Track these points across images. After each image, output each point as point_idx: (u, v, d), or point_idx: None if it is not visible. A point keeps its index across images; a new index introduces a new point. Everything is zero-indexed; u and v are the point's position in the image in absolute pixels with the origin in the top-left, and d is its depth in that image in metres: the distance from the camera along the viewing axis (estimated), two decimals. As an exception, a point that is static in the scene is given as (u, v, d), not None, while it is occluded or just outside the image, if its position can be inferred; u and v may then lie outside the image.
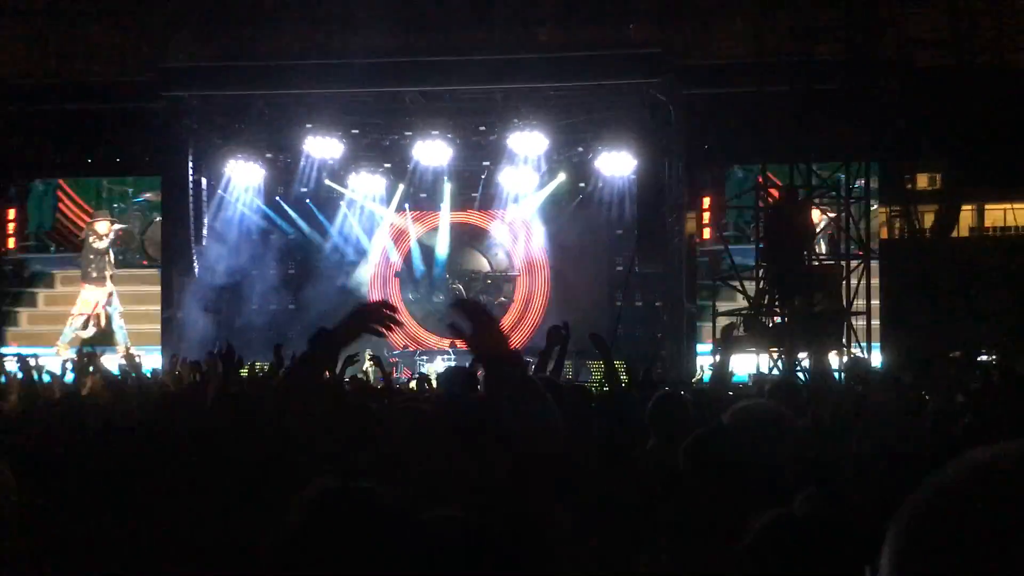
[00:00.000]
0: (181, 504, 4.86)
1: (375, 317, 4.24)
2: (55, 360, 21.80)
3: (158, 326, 30.37)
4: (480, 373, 10.35)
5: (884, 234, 27.09)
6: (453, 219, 34.14)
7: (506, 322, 33.12)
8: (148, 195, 31.42)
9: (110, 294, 30.64)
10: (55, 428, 8.04)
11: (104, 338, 29.54)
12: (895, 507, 1.58)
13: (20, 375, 13.15)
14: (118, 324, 30.46)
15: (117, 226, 31.00)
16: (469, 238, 34.53)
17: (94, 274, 30.62)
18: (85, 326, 30.50)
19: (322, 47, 27.94)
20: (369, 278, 33.98)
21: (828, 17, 22.20)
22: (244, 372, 20.70)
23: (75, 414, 8.94)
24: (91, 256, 30.70)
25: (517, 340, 30.30)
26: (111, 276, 30.65)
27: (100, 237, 30.65)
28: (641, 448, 7.02)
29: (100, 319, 30.60)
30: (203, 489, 4.64)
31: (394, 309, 4.26)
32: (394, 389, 15.30)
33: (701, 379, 21.76)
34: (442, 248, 34.54)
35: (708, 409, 7.87)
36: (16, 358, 14.76)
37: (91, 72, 29.17)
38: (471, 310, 3.98)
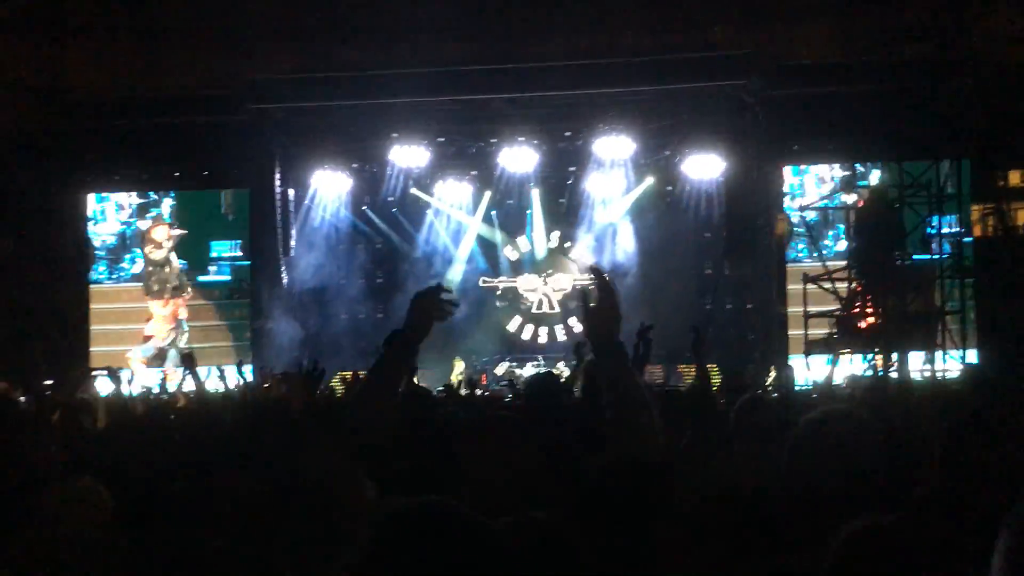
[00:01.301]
0: (258, 523, 4.82)
1: (431, 304, 4.20)
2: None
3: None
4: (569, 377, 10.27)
5: (977, 232, 26.70)
6: (540, 225, 34.07)
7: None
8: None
9: (176, 316, 30.75)
10: (142, 445, 8.05)
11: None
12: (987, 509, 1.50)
13: (108, 390, 13.20)
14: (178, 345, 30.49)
15: (177, 232, 31.03)
16: (556, 244, 34.46)
17: (156, 287, 30.77)
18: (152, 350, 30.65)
19: (406, 56, 28.01)
20: (456, 284, 34.00)
21: (915, 15, 21.90)
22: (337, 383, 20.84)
23: (161, 431, 8.96)
24: (150, 268, 30.89)
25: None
26: (176, 288, 30.72)
27: (158, 245, 30.79)
28: (727, 452, 6.92)
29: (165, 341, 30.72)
30: (279, 507, 4.59)
31: (448, 291, 4.22)
32: (480, 397, 15.29)
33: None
34: (529, 254, 34.50)
35: (796, 413, 7.73)
36: (107, 371, 14.81)
37: (177, 86, 29.40)
38: (604, 285, 3.92)
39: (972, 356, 23.56)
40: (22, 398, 13.77)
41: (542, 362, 30.55)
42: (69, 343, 29.51)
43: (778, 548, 4.01)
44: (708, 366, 24.19)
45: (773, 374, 26.87)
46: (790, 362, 20.65)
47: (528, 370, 29.48)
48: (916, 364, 20.91)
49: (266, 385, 19.28)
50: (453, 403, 11.39)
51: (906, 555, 2.92)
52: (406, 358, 4.33)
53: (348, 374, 18.54)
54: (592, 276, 3.97)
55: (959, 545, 2.84)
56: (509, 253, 34.75)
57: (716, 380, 27.81)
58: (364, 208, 33.48)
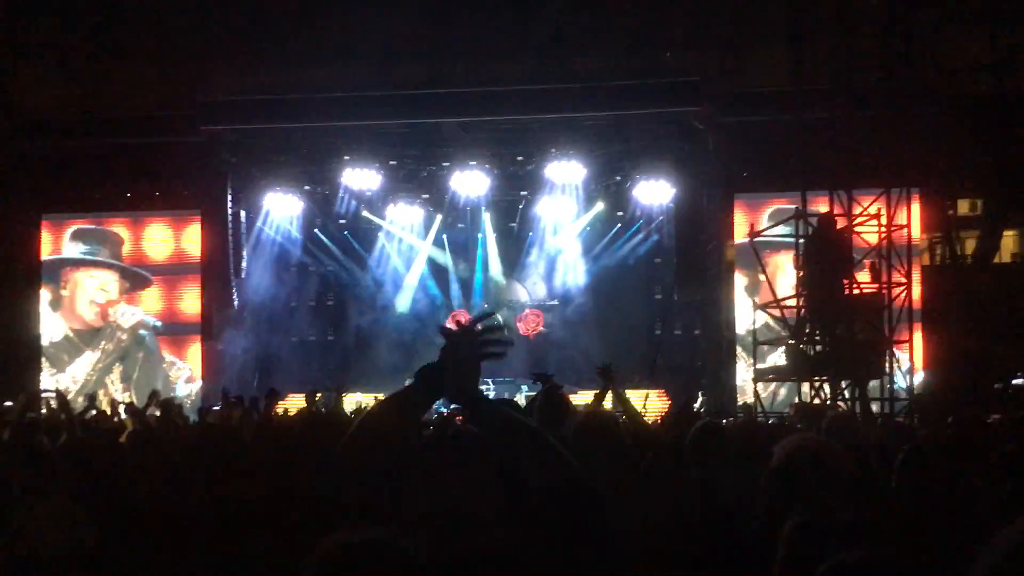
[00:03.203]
0: (220, 543, 4.82)
1: (483, 343, 3.85)
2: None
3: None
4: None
5: (926, 260, 26.93)
6: (491, 249, 34.11)
7: (544, 351, 33.04)
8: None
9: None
10: (97, 467, 8.02)
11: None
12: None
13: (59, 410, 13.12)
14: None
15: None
16: (507, 268, 34.49)
17: None
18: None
19: (359, 79, 28.00)
20: (408, 309, 33.97)
21: (867, 44, 22.07)
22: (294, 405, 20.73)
23: (112, 454, 8.91)
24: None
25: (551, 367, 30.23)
26: None
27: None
28: (680, 481, 6.95)
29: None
30: (239, 529, 4.59)
31: (499, 328, 3.96)
32: (438, 421, 15.25)
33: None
34: (480, 278, 34.53)
35: (750, 440, 7.79)
36: (55, 393, 14.72)
37: (129, 107, 29.31)
38: (453, 344, 3.80)
39: (919, 384, 23.76)
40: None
41: (492, 387, 30.50)
42: (20, 365, 29.32)
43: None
44: (657, 391, 24.32)
45: (701, 399, 27.02)
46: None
47: (520, 399, 29.43)
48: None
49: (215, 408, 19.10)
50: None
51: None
52: (435, 397, 4.02)
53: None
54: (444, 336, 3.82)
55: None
56: (459, 276, 34.76)
57: (662, 404, 28.05)
58: (316, 230, 33.46)
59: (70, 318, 30.63)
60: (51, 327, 30.59)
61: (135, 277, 30.74)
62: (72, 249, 30.67)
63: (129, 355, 30.60)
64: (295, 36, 28.32)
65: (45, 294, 30.63)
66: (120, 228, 30.75)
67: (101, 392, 29.12)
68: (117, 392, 29.27)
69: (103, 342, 30.54)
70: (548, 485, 3.74)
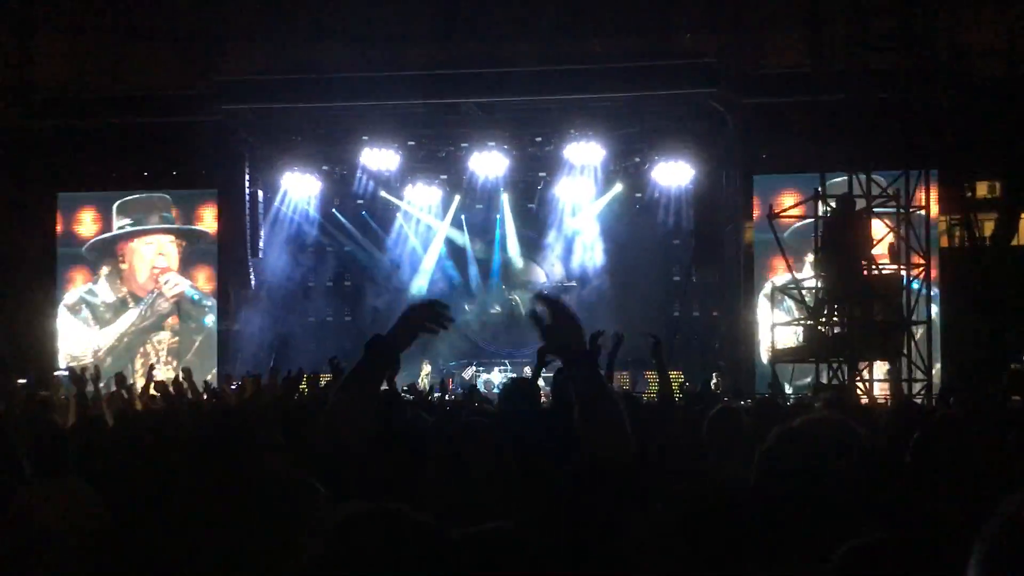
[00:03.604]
0: (216, 526, 4.82)
1: (427, 316, 4.18)
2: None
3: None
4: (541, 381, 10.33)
5: (944, 243, 26.86)
6: (509, 230, 34.08)
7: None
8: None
9: None
10: (111, 446, 8.04)
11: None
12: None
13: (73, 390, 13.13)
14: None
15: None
16: (525, 249, 34.46)
17: None
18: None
19: (378, 59, 27.98)
20: (425, 289, 33.96)
21: (884, 26, 21.99)
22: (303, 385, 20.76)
23: (128, 432, 8.92)
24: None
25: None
26: None
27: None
28: (698, 463, 6.95)
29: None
30: (246, 506, 4.58)
31: (444, 307, 4.22)
32: (450, 402, 15.29)
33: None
34: (498, 259, 34.51)
35: (767, 423, 7.78)
36: (68, 371, 14.74)
37: (147, 85, 29.35)
38: (553, 303, 3.95)
39: (937, 367, 23.74)
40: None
41: (509, 367, 30.55)
42: (38, 342, 29.43)
43: (754, 556, 4.03)
44: (674, 373, 24.30)
45: (715, 379, 27.01)
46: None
47: (496, 375, 29.48)
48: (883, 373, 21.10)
49: (233, 387, 19.15)
50: (420, 406, 11.36)
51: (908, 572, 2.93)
52: (385, 364, 4.30)
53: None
54: (541, 302, 4.01)
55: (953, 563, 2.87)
56: (477, 257, 34.76)
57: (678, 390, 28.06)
58: (333, 211, 33.43)
59: (130, 286, 30.78)
60: (106, 293, 30.69)
61: (191, 235, 30.87)
62: (121, 223, 30.73)
63: (182, 331, 30.77)
64: (313, 16, 28.32)
65: (104, 270, 30.73)
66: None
67: (140, 362, 29.35)
68: (159, 367, 29.50)
69: (143, 307, 30.63)
70: (610, 459, 3.77)
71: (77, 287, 30.72)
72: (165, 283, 30.70)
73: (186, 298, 30.67)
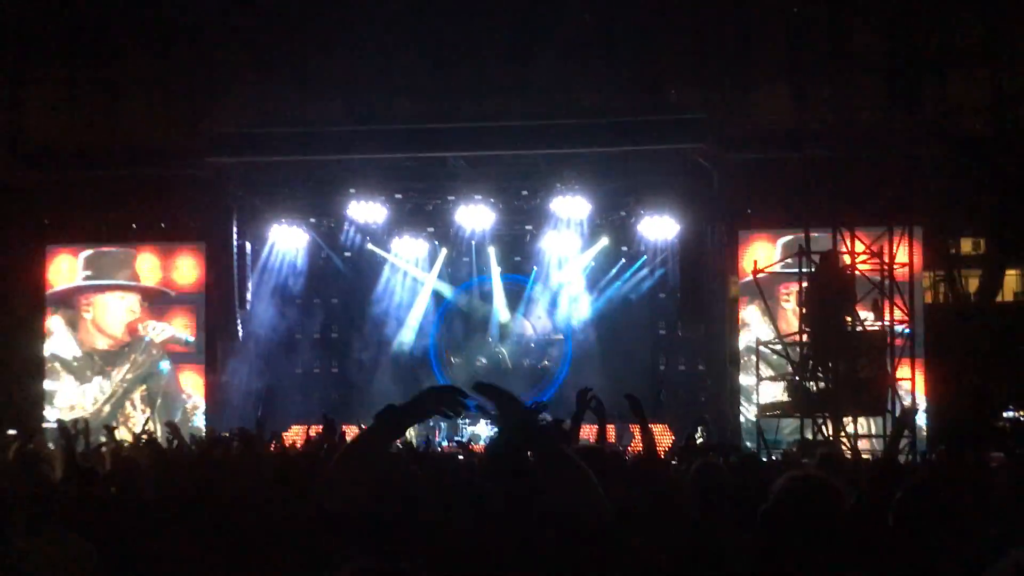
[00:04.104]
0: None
1: (444, 401, 4.28)
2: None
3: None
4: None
5: (928, 299, 26.98)
6: (496, 283, 34.15)
7: (547, 385, 33.13)
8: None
9: None
10: (107, 498, 8.10)
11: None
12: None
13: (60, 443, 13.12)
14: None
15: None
16: (512, 302, 34.51)
17: None
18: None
19: (365, 113, 28.14)
20: (412, 342, 34.00)
21: (870, 83, 22.22)
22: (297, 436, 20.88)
23: (121, 481, 8.97)
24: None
25: (551, 400, 30.35)
26: None
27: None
28: (681, 517, 7.01)
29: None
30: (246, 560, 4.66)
31: (464, 395, 4.31)
32: (436, 454, 15.33)
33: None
34: (484, 312, 34.55)
35: (751, 477, 7.86)
36: (57, 424, 14.73)
37: (134, 138, 29.45)
38: (491, 390, 4.07)
39: (921, 421, 23.80)
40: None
41: (494, 420, 30.50)
42: (25, 395, 29.40)
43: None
44: (659, 427, 24.36)
45: (701, 433, 27.04)
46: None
47: (482, 428, 29.46)
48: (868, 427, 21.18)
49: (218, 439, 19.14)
50: (410, 460, 11.39)
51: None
52: (395, 434, 4.42)
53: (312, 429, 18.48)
54: (481, 392, 4.17)
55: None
56: (463, 310, 34.81)
57: (666, 441, 28.11)
58: (321, 263, 33.47)
59: (94, 338, 30.69)
60: (70, 347, 30.63)
61: (156, 296, 30.84)
62: (87, 275, 30.72)
63: (153, 377, 30.71)
64: (301, 70, 28.50)
65: (58, 320, 30.65)
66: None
67: (120, 415, 29.38)
68: (136, 415, 29.49)
69: (134, 355, 30.62)
70: (586, 521, 3.87)
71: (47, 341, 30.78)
72: (153, 330, 30.69)
73: (177, 339, 30.67)
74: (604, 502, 4.11)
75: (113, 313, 30.79)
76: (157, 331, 30.71)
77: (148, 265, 30.81)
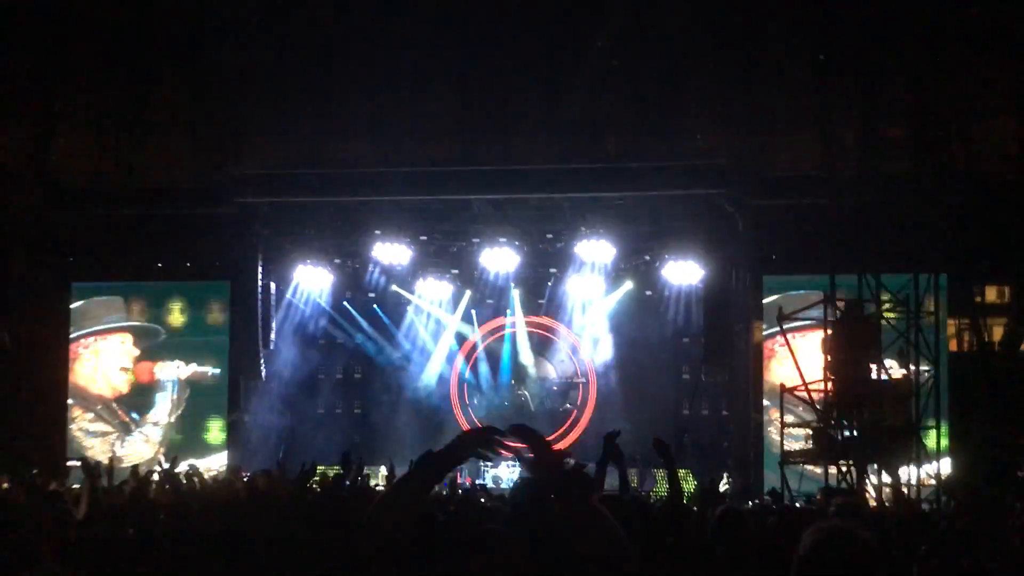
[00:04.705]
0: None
1: (481, 442, 4.31)
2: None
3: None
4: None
5: (953, 347, 26.87)
6: (519, 326, 34.17)
7: (569, 429, 33.10)
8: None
9: None
10: (123, 535, 8.10)
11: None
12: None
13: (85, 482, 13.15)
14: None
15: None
16: (535, 345, 34.51)
17: None
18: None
19: (391, 155, 28.24)
20: (435, 384, 33.99)
21: (896, 130, 22.21)
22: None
23: (143, 520, 9.00)
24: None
25: (573, 444, 30.29)
26: None
27: None
28: (706, 562, 6.98)
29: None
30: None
31: (501, 434, 4.33)
32: (461, 499, 15.29)
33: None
34: (508, 355, 34.55)
35: (770, 524, 7.84)
36: (82, 463, 14.75)
37: (162, 177, 29.58)
38: (526, 433, 4.09)
39: (945, 470, 23.65)
40: (5, 485, 13.78)
41: (517, 463, 30.44)
42: (49, 433, 29.44)
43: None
44: (681, 472, 24.24)
45: (726, 480, 26.99)
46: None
47: (503, 470, 29.42)
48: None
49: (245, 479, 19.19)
50: (431, 505, 11.38)
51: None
52: (434, 480, 4.45)
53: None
54: (515, 436, 4.19)
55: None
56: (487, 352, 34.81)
57: (689, 486, 28.03)
58: (345, 303, 33.54)
59: (96, 385, 30.73)
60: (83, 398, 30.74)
61: (148, 332, 30.94)
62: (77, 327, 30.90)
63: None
64: (328, 111, 28.59)
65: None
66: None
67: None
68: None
69: (173, 394, 30.77)
70: (612, 571, 3.87)
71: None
72: (178, 368, 30.76)
73: (203, 375, 30.73)
74: (630, 551, 4.11)
75: (113, 357, 30.90)
76: (181, 369, 30.76)
77: (179, 306, 30.93)
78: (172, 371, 30.71)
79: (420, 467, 4.33)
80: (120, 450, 29.92)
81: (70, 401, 30.55)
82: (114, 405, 30.64)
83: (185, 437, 30.23)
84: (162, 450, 29.85)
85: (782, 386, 22.70)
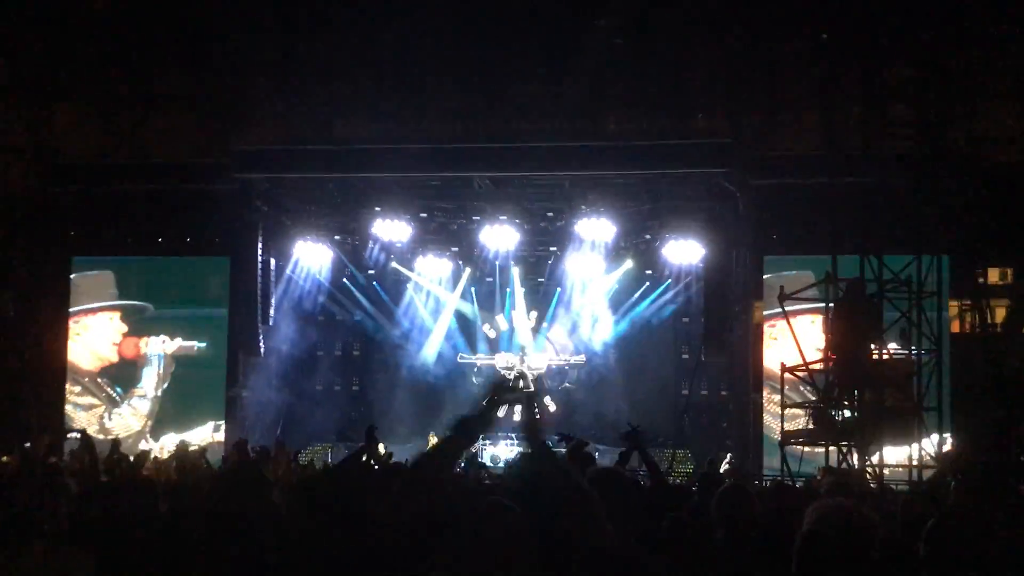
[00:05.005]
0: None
1: (505, 391, 4.35)
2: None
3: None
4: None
5: (955, 328, 26.82)
6: (518, 303, 34.15)
7: (570, 407, 33.09)
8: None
9: None
10: (126, 510, 8.03)
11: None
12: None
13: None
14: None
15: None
16: (534, 323, 34.50)
17: None
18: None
19: (392, 131, 28.15)
20: (433, 361, 33.99)
21: (899, 111, 22.11)
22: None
23: (145, 495, 8.91)
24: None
25: (576, 424, 30.30)
26: None
27: None
28: (708, 542, 6.93)
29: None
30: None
31: (518, 378, 4.40)
32: (461, 478, 15.25)
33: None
34: (507, 332, 34.54)
35: (775, 503, 7.77)
36: (80, 434, 14.74)
37: (163, 153, 29.52)
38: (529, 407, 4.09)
39: (947, 451, 23.61)
40: (4, 458, 13.75)
41: (515, 441, 30.48)
42: (46, 405, 29.42)
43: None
44: (680, 452, 24.27)
45: (729, 459, 26.98)
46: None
47: (502, 449, 29.41)
48: (894, 458, 21.02)
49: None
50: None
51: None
52: (470, 443, 4.47)
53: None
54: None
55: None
56: (487, 330, 34.80)
57: (688, 466, 28.03)
58: (344, 280, 33.53)
59: (87, 360, 30.71)
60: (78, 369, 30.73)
61: (136, 310, 30.90)
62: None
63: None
64: (329, 87, 28.51)
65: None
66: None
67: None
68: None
69: (159, 368, 30.75)
70: (592, 548, 3.82)
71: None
72: (163, 343, 30.70)
73: (188, 349, 30.68)
74: (607, 532, 4.09)
75: (104, 333, 30.83)
76: (167, 345, 30.71)
77: (172, 275, 30.87)
78: (158, 346, 30.62)
79: (459, 432, 4.34)
80: (108, 423, 29.95)
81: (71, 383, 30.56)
82: (100, 379, 30.61)
83: (172, 410, 30.21)
84: (149, 423, 29.94)
85: (782, 366, 22.62)
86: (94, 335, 30.72)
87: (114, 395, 30.54)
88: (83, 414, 30.15)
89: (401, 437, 29.00)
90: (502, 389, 4.45)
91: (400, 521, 4.19)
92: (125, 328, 30.81)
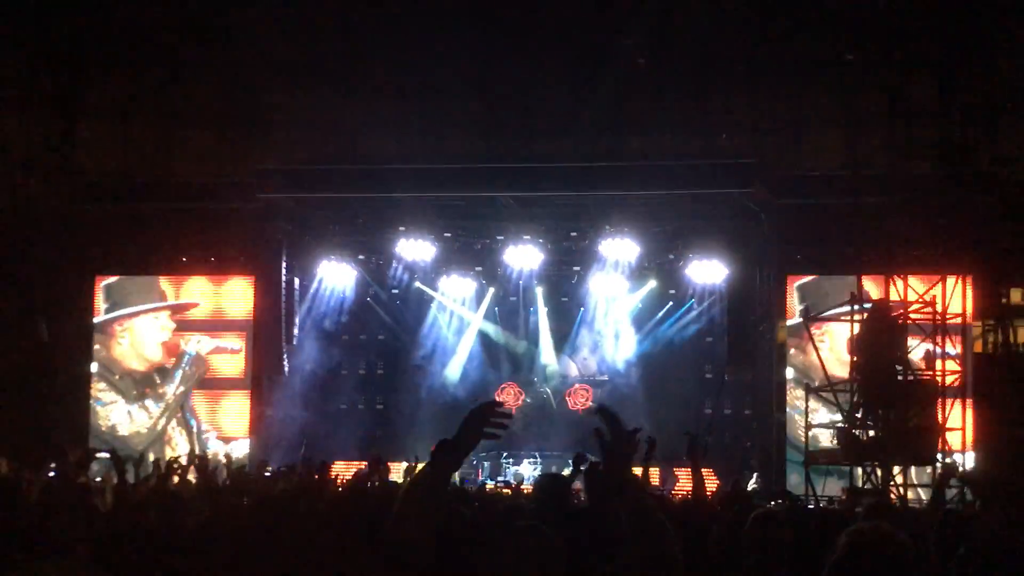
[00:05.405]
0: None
1: (487, 421, 4.33)
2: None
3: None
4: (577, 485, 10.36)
5: (978, 348, 26.74)
6: (542, 324, 34.13)
7: (591, 425, 33.01)
8: None
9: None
10: (147, 530, 8.08)
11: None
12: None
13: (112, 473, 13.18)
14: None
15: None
16: (557, 342, 34.47)
17: None
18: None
19: (416, 151, 28.22)
20: (457, 380, 33.98)
21: (923, 132, 22.12)
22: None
23: (170, 514, 8.96)
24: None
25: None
26: None
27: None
28: (734, 567, 6.95)
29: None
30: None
31: (500, 405, 4.36)
32: (486, 495, 15.29)
33: None
34: (530, 352, 34.53)
35: (806, 527, 7.79)
36: (110, 453, 14.76)
37: (187, 172, 29.65)
38: (609, 418, 4.10)
39: (970, 470, 23.53)
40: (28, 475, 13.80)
41: (539, 460, 30.50)
42: (71, 424, 29.53)
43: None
44: (705, 471, 24.22)
45: (755, 479, 26.95)
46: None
47: (525, 467, 29.42)
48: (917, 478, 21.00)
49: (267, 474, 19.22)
50: (456, 500, 11.36)
51: None
52: (453, 466, 4.46)
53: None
54: (602, 418, 4.23)
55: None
56: (509, 349, 34.79)
57: (711, 485, 27.95)
58: (368, 300, 33.55)
59: (132, 362, 30.82)
60: (110, 370, 30.81)
61: (181, 308, 30.99)
62: (112, 305, 30.94)
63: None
64: (353, 107, 28.58)
65: (96, 349, 30.86)
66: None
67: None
68: (176, 434, 29.75)
69: (185, 367, 30.81)
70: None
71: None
72: (198, 343, 30.82)
73: (222, 349, 30.77)
74: (679, 557, 4.12)
75: (149, 334, 30.93)
76: (203, 344, 30.81)
77: (198, 291, 30.98)
78: (193, 345, 30.75)
79: (438, 456, 4.35)
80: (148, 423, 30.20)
81: (93, 371, 30.74)
82: (140, 382, 30.81)
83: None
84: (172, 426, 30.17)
85: (807, 386, 22.60)
86: (139, 336, 30.83)
87: (138, 394, 30.71)
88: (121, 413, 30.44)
89: (425, 455, 28.99)
90: (479, 412, 4.47)
91: (410, 539, 4.22)
92: (173, 326, 30.98)
